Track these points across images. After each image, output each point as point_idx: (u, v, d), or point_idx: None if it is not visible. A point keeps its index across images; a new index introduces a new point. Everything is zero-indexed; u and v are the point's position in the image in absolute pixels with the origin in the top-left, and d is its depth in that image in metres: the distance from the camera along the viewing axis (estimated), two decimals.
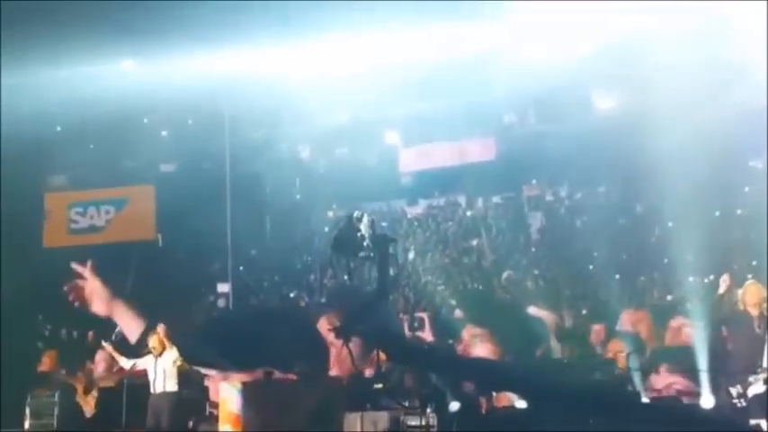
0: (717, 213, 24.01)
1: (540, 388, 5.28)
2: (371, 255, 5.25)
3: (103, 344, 15.56)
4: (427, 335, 16.03)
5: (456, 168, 31.66)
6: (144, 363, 14.89)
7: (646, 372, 9.76)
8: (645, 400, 8.50)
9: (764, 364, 10.49)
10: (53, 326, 23.37)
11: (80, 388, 15.46)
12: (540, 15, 24.02)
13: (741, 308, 11.22)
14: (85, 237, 25.59)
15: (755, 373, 10.36)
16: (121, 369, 15.35)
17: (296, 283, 28.65)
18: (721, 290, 11.74)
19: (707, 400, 9.28)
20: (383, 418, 8.87)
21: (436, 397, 9.09)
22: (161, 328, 13.68)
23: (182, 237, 28.25)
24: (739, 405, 9.88)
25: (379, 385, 8.53)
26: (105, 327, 16.25)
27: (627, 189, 28.16)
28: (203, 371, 4.57)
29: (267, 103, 29.47)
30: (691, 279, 16.94)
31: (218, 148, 28.17)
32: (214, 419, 9.04)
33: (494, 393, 8.30)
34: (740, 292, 11.36)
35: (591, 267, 24.35)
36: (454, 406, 8.49)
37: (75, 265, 4.59)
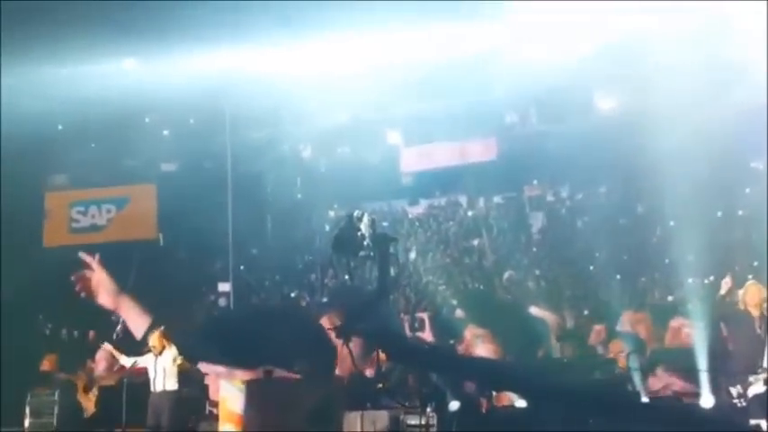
0: (719, 214, 24.00)
1: (540, 388, 5.28)
2: (372, 254, 5.25)
3: (104, 344, 15.57)
4: (427, 335, 16.04)
5: (457, 168, 31.66)
6: (144, 361, 14.89)
7: (645, 372, 9.78)
8: (644, 399, 8.51)
9: (765, 365, 10.49)
10: (53, 325, 23.36)
11: (80, 387, 15.47)
12: (541, 15, 24.03)
13: (742, 308, 11.22)
14: (87, 236, 25.57)
15: (756, 373, 10.37)
16: (122, 368, 15.36)
17: (297, 282, 28.63)
18: (722, 291, 11.74)
19: (707, 400, 9.29)
20: (383, 417, 8.90)
21: (436, 396, 9.12)
22: (160, 332, 13.71)
23: (183, 236, 28.26)
24: (739, 405, 9.90)
25: (380, 385, 8.56)
26: (106, 325, 16.30)
27: (628, 189, 28.14)
28: (206, 367, 4.57)
29: (268, 103, 29.48)
30: (692, 280, 16.94)
31: (220, 148, 28.15)
32: (214, 418, 9.06)
33: (494, 393, 8.32)
34: (741, 292, 11.36)
35: (592, 268, 24.33)
36: (454, 405, 8.52)
37: (83, 255, 4.61)
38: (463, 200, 33.11)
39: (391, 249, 5.39)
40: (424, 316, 18.32)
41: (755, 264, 18.01)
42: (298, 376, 4.31)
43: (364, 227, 5.20)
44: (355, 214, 5.29)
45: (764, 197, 18.01)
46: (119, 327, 15.70)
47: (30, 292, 21.93)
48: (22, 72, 23.20)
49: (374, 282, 5.05)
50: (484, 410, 8.24)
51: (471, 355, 9.09)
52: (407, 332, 13.57)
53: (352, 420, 7.60)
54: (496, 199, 32.41)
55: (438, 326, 16.73)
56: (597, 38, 25.40)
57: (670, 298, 18.97)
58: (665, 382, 9.78)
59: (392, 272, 5.13)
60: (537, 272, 25.02)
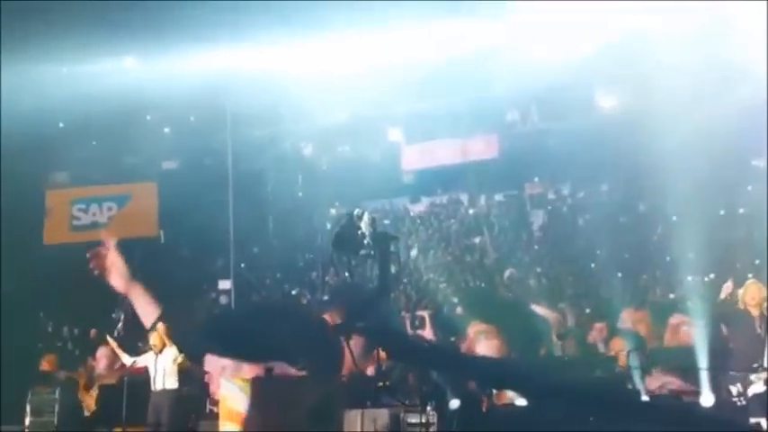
0: (722, 212, 24.00)
1: (541, 386, 5.28)
2: (372, 253, 5.25)
3: (108, 338, 15.56)
4: (428, 333, 16.03)
5: (458, 166, 31.68)
6: (145, 360, 14.90)
7: (645, 370, 9.78)
8: (645, 398, 8.51)
9: (765, 364, 10.48)
10: (54, 323, 23.39)
11: (81, 385, 15.47)
12: (543, 13, 24.01)
13: (741, 308, 11.21)
14: (87, 233, 25.56)
15: (755, 372, 10.37)
16: (122, 366, 15.36)
17: (298, 280, 28.66)
18: (722, 295, 11.71)
19: (707, 399, 9.29)
20: (383, 415, 8.91)
21: (437, 395, 9.11)
22: (161, 330, 13.72)
23: (184, 234, 28.28)
24: (739, 404, 9.89)
25: (381, 383, 8.55)
26: (107, 324, 16.30)
27: (629, 187, 28.14)
28: (211, 362, 4.56)
29: (269, 101, 29.49)
30: (692, 278, 16.94)
31: (221, 145, 28.17)
32: (215, 417, 9.07)
33: (494, 391, 8.31)
34: (740, 291, 11.34)
35: (593, 265, 24.34)
36: (454, 403, 8.51)
37: (103, 233, 4.65)
38: (464, 198, 33.13)
39: (392, 248, 5.38)
40: (425, 314, 18.32)
41: (757, 262, 18.02)
42: (301, 373, 4.31)
43: (365, 225, 5.19)
44: (356, 213, 5.29)
45: (765, 195, 18.01)
46: (120, 325, 15.70)
47: (30, 289, 21.94)
48: (22, 70, 23.20)
49: (375, 280, 5.04)
50: (484, 409, 8.23)
51: (472, 354, 9.09)
52: (408, 330, 13.56)
53: (353, 419, 7.60)
54: (498, 197, 32.42)
55: (439, 324, 16.73)
56: (598, 36, 25.39)
57: (671, 296, 18.98)
58: (661, 381, 9.78)
59: (393, 270, 5.12)
60: (538, 270, 25.03)
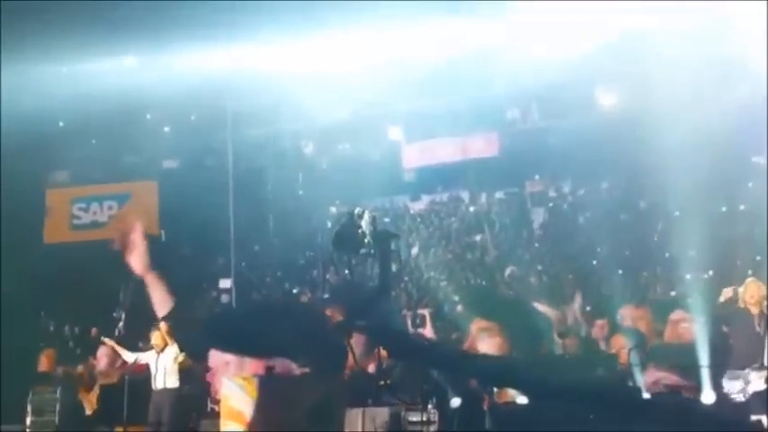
0: (722, 209, 24.00)
1: (542, 384, 5.28)
2: (373, 251, 5.25)
3: (105, 339, 15.56)
4: (428, 332, 16.02)
5: (459, 164, 31.65)
6: (146, 358, 14.90)
7: (644, 367, 9.78)
8: (646, 395, 8.50)
9: (766, 362, 10.48)
10: (55, 322, 23.38)
11: (82, 384, 15.46)
12: (543, 11, 24.01)
13: (742, 306, 11.21)
14: (88, 232, 25.60)
15: (755, 369, 10.36)
16: (123, 365, 15.35)
17: (298, 278, 28.64)
18: (722, 299, 11.70)
19: (707, 396, 9.28)
20: (384, 414, 8.90)
21: (438, 393, 9.11)
22: (163, 328, 13.75)
23: (184, 232, 28.27)
24: (739, 401, 9.89)
25: (382, 382, 8.55)
26: (108, 322, 16.29)
27: (630, 185, 28.13)
28: (215, 357, 4.56)
29: (270, 100, 29.48)
30: (693, 275, 16.92)
31: (221, 144, 28.18)
32: (216, 416, 9.06)
33: (495, 389, 8.31)
34: (740, 290, 11.34)
35: (594, 263, 24.33)
36: (455, 402, 8.51)
37: (130, 216, 4.70)
38: (465, 195, 33.11)
39: (392, 246, 5.38)
40: (425, 312, 18.30)
41: (758, 258, 18.03)
42: (304, 370, 4.31)
43: (365, 224, 5.20)
44: (356, 211, 5.30)
45: (765, 192, 18.01)
46: (120, 324, 15.70)
47: (31, 288, 21.94)
48: (22, 69, 23.21)
49: (375, 278, 5.05)
50: (485, 407, 8.22)
51: (472, 352, 9.07)
52: (409, 329, 13.55)
53: (354, 417, 7.60)
54: (498, 195, 32.40)
55: (440, 322, 16.73)
56: (598, 34, 25.40)
57: (672, 293, 18.97)
58: (656, 376, 9.76)
59: (394, 268, 5.13)
60: (539, 267, 25.02)
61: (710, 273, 18.08)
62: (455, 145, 31.53)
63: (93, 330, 20.09)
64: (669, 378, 9.76)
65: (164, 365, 14.54)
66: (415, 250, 27.83)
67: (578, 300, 14.62)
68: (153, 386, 14.62)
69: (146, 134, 30.70)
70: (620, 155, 26.05)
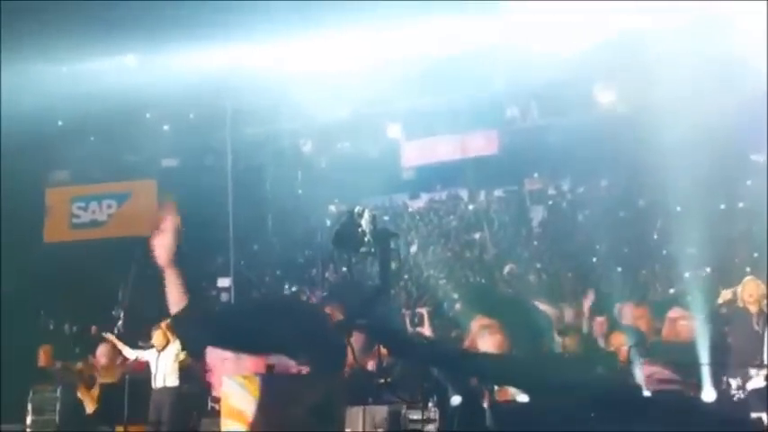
0: (721, 207, 24.02)
1: (542, 382, 5.29)
2: (372, 250, 5.25)
3: (106, 334, 15.58)
4: (426, 330, 16.03)
5: (458, 162, 31.64)
6: (147, 356, 14.92)
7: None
8: (646, 393, 8.50)
9: (765, 361, 10.48)
10: (55, 321, 23.38)
11: (82, 383, 15.47)
12: (542, 9, 24.01)
13: (741, 305, 11.21)
14: (87, 231, 25.60)
15: (754, 367, 10.36)
16: (124, 363, 15.37)
17: (297, 277, 28.66)
18: (720, 300, 11.69)
19: (708, 394, 9.28)
20: (384, 412, 8.90)
21: (438, 391, 9.11)
22: (165, 326, 13.77)
23: (183, 231, 28.23)
24: (737, 398, 9.89)
25: (382, 380, 8.56)
26: (108, 321, 16.31)
27: (629, 183, 28.15)
28: (212, 355, 4.58)
29: (269, 98, 29.45)
30: (692, 272, 16.94)
31: (220, 143, 28.18)
32: (216, 414, 9.07)
33: (495, 387, 8.30)
34: (739, 288, 11.35)
35: (594, 260, 24.34)
36: (456, 400, 8.50)
37: (167, 203, 4.72)
38: (464, 193, 33.10)
39: (392, 245, 5.38)
40: (423, 311, 18.30)
41: (756, 255, 18.06)
42: (303, 367, 4.32)
43: (365, 223, 5.20)
44: (356, 210, 5.30)
45: (765, 190, 18.03)
46: (119, 323, 15.71)
47: (31, 288, 21.94)
48: (22, 69, 23.22)
49: (375, 277, 5.05)
50: (486, 405, 8.22)
51: (471, 350, 9.07)
52: (408, 327, 13.56)
53: (354, 416, 7.60)
54: (497, 192, 32.40)
55: (439, 320, 16.74)
56: (598, 32, 25.42)
57: (671, 290, 19.00)
58: (648, 371, 9.76)
59: (393, 267, 5.13)
60: (538, 265, 25.04)
61: (708, 270, 18.10)
62: (454, 143, 31.52)
63: (93, 328, 20.10)
64: (662, 373, 9.77)
65: (164, 364, 14.56)
66: (414, 248, 27.84)
67: (590, 298, 14.60)
68: (153, 385, 14.64)
69: (145, 133, 30.69)
70: (620, 153, 26.06)
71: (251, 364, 4.46)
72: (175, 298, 4.62)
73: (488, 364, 6.71)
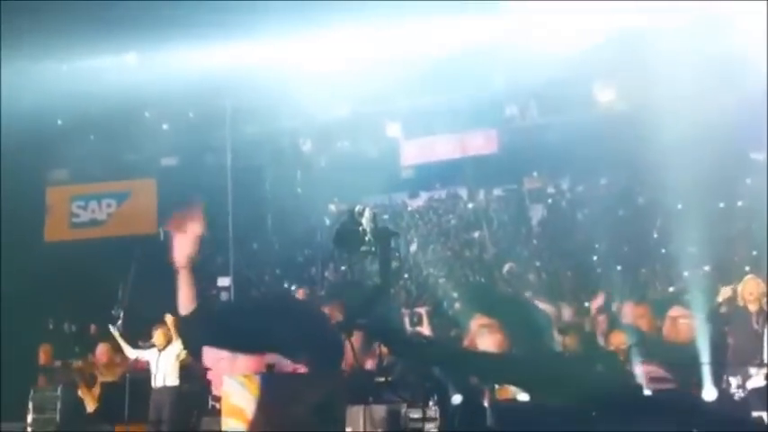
0: (721, 205, 24.01)
1: (542, 381, 5.30)
2: (373, 249, 5.25)
3: (111, 329, 15.60)
4: (425, 329, 16.04)
5: (457, 161, 31.63)
6: (148, 355, 14.94)
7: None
8: (647, 392, 8.51)
9: (765, 360, 10.48)
10: (55, 320, 23.38)
11: (82, 382, 15.49)
12: (542, 7, 24.00)
13: (741, 303, 11.21)
14: (87, 230, 25.62)
15: (754, 366, 10.37)
16: (124, 362, 15.39)
17: (297, 276, 28.65)
18: (719, 299, 11.70)
19: (708, 393, 9.30)
20: (385, 411, 8.91)
21: (439, 390, 9.11)
22: (169, 320, 13.79)
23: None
24: (738, 397, 9.90)
25: (383, 378, 8.56)
26: (107, 320, 16.33)
27: (629, 181, 28.15)
28: (209, 354, 4.59)
29: (268, 97, 29.43)
30: (691, 271, 16.95)
31: (220, 142, 28.17)
32: (217, 413, 9.07)
33: (496, 386, 8.32)
34: (739, 287, 11.35)
35: (593, 259, 24.34)
36: (456, 399, 8.51)
37: (195, 205, 4.75)
38: (463, 192, 33.09)
39: (392, 244, 5.38)
40: (422, 311, 18.31)
41: (755, 253, 18.07)
42: (298, 366, 4.33)
43: (366, 221, 5.21)
44: (357, 209, 5.30)
45: (764, 188, 18.03)
46: (119, 322, 15.73)
47: (31, 287, 21.93)
48: (21, 67, 23.20)
49: (375, 276, 5.05)
50: (486, 404, 8.23)
51: (471, 349, 9.08)
52: (408, 327, 13.57)
53: (355, 415, 7.60)
54: (497, 191, 32.39)
55: (438, 319, 16.75)
56: (597, 30, 25.39)
57: (671, 289, 19.01)
58: (644, 371, 9.78)
59: (393, 266, 5.14)
60: (537, 264, 25.04)
61: (707, 268, 18.10)
62: (454, 142, 31.51)
63: (92, 328, 20.12)
64: (656, 372, 9.78)
65: (165, 363, 14.57)
66: (413, 247, 27.85)
67: (600, 299, 14.60)
68: (153, 384, 14.65)
69: (144, 132, 30.67)
70: (619, 151, 26.04)
71: (246, 363, 4.47)
72: (186, 300, 4.64)
73: (489, 362, 6.73)
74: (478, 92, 29.35)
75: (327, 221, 31.02)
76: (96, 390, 15.23)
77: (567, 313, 14.97)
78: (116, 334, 15.46)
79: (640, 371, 9.64)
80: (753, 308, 11.04)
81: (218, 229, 25.83)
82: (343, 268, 23.68)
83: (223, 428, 4.67)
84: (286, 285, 27.77)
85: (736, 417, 7.62)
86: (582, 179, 30.30)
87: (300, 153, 33.96)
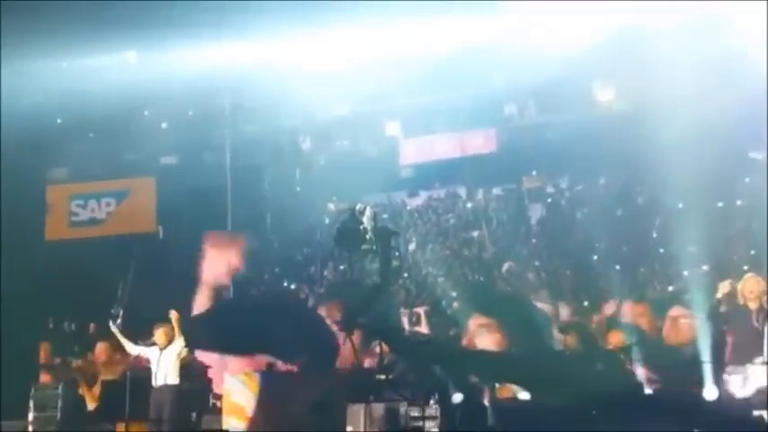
0: (720, 204, 24.01)
1: (542, 379, 5.31)
2: (374, 247, 5.26)
3: (111, 326, 15.60)
4: (423, 328, 16.07)
5: (457, 160, 31.65)
6: (149, 353, 14.94)
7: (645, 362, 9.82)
8: (648, 391, 8.53)
9: (765, 358, 10.49)
10: (55, 318, 23.38)
11: (83, 380, 15.50)
12: (542, 7, 24.00)
13: (741, 302, 11.22)
14: (86, 229, 25.59)
15: (755, 365, 10.38)
16: (124, 360, 15.40)
17: (296, 275, 28.64)
18: (719, 294, 11.70)
19: (709, 392, 9.31)
20: (386, 409, 8.92)
21: (439, 389, 9.13)
22: (174, 318, 13.81)
23: (182, 229, 28.25)
24: (738, 396, 9.91)
25: (383, 377, 8.58)
26: (106, 318, 16.32)
27: (628, 180, 28.14)
28: (202, 356, 4.62)
29: (268, 95, 29.44)
30: (691, 270, 16.96)
31: (219, 140, 28.18)
32: (218, 411, 9.09)
33: (497, 385, 8.33)
34: (739, 285, 11.35)
35: (594, 258, 24.33)
36: (457, 397, 8.53)
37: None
38: (462, 191, 33.07)
39: (393, 243, 5.39)
40: (421, 310, 18.33)
41: (753, 252, 18.08)
42: (291, 367, 4.35)
43: (366, 220, 5.22)
44: (357, 208, 5.31)
45: (764, 187, 18.04)
46: (118, 321, 15.73)
47: (31, 286, 21.93)
48: (21, 66, 23.18)
49: (374, 275, 5.06)
50: (487, 402, 8.25)
51: (471, 348, 9.11)
52: (407, 326, 13.59)
53: (355, 413, 7.61)
54: (496, 190, 32.37)
55: (437, 318, 16.77)
56: (596, 30, 25.38)
57: (670, 288, 19.01)
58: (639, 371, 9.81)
59: (393, 265, 5.14)
60: (536, 263, 25.03)
61: (706, 267, 18.12)
62: (453, 141, 31.53)
63: (92, 326, 20.11)
64: (645, 373, 9.81)
65: (165, 362, 14.58)
66: (412, 246, 27.83)
67: (614, 306, 14.58)
68: (153, 383, 14.66)
69: (144, 130, 30.66)
70: (618, 150, 26.03)
71: (237, 365, 4.49)
72: (201, 304, 4.69)
73: (489, 361, 6.75)
74: (478, 91, 29.38)
75: (327, 220, 31.03)
76: (97, 388, 15.24)
77: (565, 312, 15.00)
78: (116, 331, 15.46)
79: (641, 371, 9.67)
80: (753, 306, 11.05)
81: (218, 228, 25.83)
82: (342, 267, 23.66)
83: (224, 426, 4.68)
84: (285, 284, 27.78)
85: (736, 416, 7.64)
86: (581, 178, 30.29)
87: (300, 152, 33.98)
